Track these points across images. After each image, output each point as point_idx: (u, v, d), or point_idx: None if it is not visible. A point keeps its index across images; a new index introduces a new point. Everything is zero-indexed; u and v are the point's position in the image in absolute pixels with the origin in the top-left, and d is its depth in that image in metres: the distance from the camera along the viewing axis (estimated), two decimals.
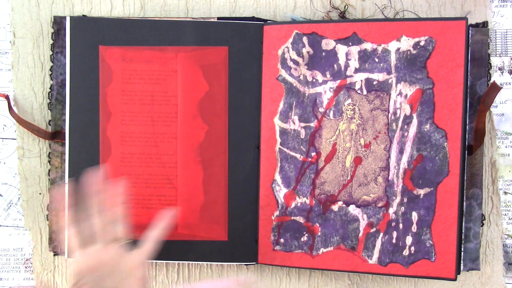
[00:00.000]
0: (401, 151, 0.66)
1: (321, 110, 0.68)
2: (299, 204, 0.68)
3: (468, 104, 0.66)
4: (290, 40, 0.67)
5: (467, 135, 0.67)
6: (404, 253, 0.66)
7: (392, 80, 0.66)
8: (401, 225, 0.66)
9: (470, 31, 0.67)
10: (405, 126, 0.66)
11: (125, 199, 0.59)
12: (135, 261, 0.58)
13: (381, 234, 0.67)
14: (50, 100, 0.71)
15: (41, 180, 0.72)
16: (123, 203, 0.59)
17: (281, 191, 0.68)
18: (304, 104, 0.68)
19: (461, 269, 0.68)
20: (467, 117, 0.66)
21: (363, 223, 0.67)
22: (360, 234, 0.67)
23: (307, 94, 0.68)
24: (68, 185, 0.57)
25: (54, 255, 0.72)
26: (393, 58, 0.66)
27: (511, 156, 0.70)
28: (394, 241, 0.66)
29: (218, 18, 0.70)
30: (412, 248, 0.66)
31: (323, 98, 0.67)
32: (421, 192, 0.66)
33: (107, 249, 0.58)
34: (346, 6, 0.70)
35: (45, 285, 0.57)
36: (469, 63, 0.66)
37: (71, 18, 0.69)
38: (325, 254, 0.68)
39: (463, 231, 0.67)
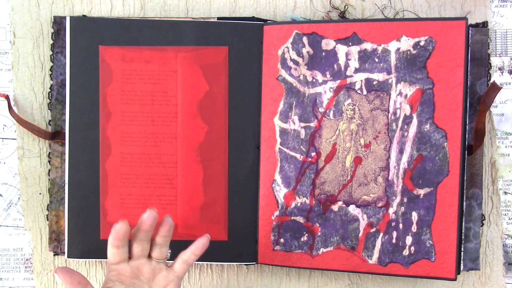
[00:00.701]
0: (401, 151, 0.66)
1: (321, 110, 0.68)
2: (299, 204, 0.68)
3: (468, 104, 0.66)
4: (290, 40, 0.67)
5: (467, 135, 0.67)
6: (404, 253, 0.66)
7: (392, 80, 0.66)
8: (401, 225, 0.66)
9: (470, 31, 0.67)
10: (405, 126, 0.66)
11: (170, 233, 0.60)
12: (170, 278, 0.60)
13: (381, 234, 0.67)
14: (50, 100, 0.71)
15: (41, 180, 0.72)
16: (168, 235, 0.60)
17: (281, 191, 0.68)
18: (304, 104, 0.68)
19: (461, 269, 0.68)
20: (467, 117, 0.66)
21: (363, 223, 0.67)
22: (360, 234, 0.67)
23: (307, 94, 0.68)
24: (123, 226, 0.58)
25: (54, 255, 0.72)
26: (393, 58, 0.66)
27: (511, 156, 0.70)
28: (394, 241, 0.66)
29: (218, 18, 0.70)
30: (412, 248, 0.66)
31: (323, 98, 0.67)
32: (421, 192, 0.66)
33: (145, 263, 0.60)
34: (346, 6, 0.70)
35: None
36: (469, 63, 0.66)
37: (71, 18, 0.69)
38: (325, 254, 0.68)
39: (463, 231, 0.67)
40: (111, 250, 0.58)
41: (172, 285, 0.60)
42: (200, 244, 0.61)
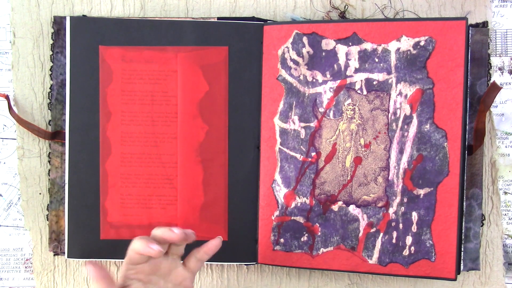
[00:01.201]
0: (401, 151, 0.66)
1: (321, 110, 0.68)
2: (299, 204, 0.68)
3: (468, 104, 0.66)
4: (290, 40, 0.67)
5: (467, 135, 0.67)
6: (404, 253, 0.66)
7: (392, 80, 0.66)
8: (401, 225, 0.66)
9: (470, 31, 0.67)
10: (405, 126, 0.66)
11: (191, 238, 0.60)
12: (185, 275, 0.61)
13: (381, 234, 0.67)
14: (50, 100, 0.71)
15: (41, 180, 0.72)
16: (187, 240, 0.60)
17: (281, 191, 0.68)
18: (304, 104, 0.68)
19: (461, 269, 0.68)
20: (467, 117, 0.66)
21: (363, 223, 0.67)
22: (360, 234, 0.67)
23: (307, 94, 0.68)
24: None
25: (54, 255, 0.72)
26: (393, 58, 0.66)
27: (511, 156, 0.70)
28: (394, 241, 0.66)
29: (218, 18, 0.70)
30: (412, 248, 0.66)
31: (323, 98, 0.67)
32: (421, 192, 0.66)
33: (162, 260, 0.60)
34: (346, 6, 0.70)
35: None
36: (469, 63, 0.66)
37: (71, 18, 0.69)
38: (325, 254, 0.68)
39: (463, 231, 0.67)
40: (135, 256, 0.57)
41: (188, 281, 0.61)
42: (213, 245, 0.62)
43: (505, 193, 0.70)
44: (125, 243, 0.71)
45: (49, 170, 0.71)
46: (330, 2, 0.70)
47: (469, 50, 0.66)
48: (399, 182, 0.66)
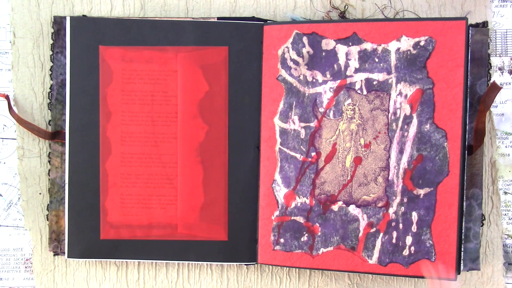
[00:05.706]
0: (401, 151, 0.66)
1: (321, 110, 0.68)
2: (299, 204, 0.68)
3: (468, 104, 0.66)
4: (290, 40, 0.67)
5: (467, 135, 0.67)
6: (404, 253, 0.66)
7: (392, 80, 0.66)
8: (401, 225, 0.66)
9: (470, 31, 0.67)
10: (405, 126, 0.66)
11: None
12: None
13: (381, 234, 0.67)
14: (50, 100, 0.71)
15: (41, 180, 0.72)
16: None
17: (281, 191, 0.68)
18: (304, 104, 0.68)
19: (461, 269, 0.68)
20: (467, 117, 0.66)
21: (363, 223, 0.67)
22: (360, 234, 0.67)
23: (307, 94, 0.68)
24: None
25: (54, 255, 0.72)
26: (393, 58, 0.66)
27: (511, 156, 0.70)
28: (394, 241, 0.66)
29: (218, 18, 0.70)
30: (412, 248, 0.66)
31: (323, 98, 0.67)
32: (421, 192, 0.66)
33: None
34: (346, 6, 0.70)
35: None
36: (469, 63, 0.66)
37: (71, 18, 0.69)
38: (325, 254, 0.68)
39: (463, 231, 0.67)
40: None
41: None
42: None
43: (505, 193, 0.70)
44: (125, 243, 0.71)
45: (49, 170, 0.71)
46: (330, 2, 0.71)
47: (469, 50, 0.66)
48: (399, 182, 0.66)
